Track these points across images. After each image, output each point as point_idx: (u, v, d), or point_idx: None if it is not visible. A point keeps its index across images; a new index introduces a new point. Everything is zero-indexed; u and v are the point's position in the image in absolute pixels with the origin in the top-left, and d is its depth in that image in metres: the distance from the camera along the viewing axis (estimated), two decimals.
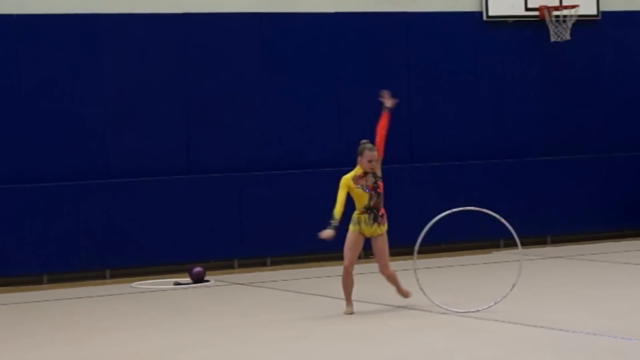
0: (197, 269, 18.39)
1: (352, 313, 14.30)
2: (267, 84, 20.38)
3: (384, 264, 14.42)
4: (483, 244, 21.36)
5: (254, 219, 19.98)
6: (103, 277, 19.16)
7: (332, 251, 20.35)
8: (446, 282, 17.45)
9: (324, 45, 20.79)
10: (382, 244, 14.31)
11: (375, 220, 14.21)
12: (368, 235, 14.31)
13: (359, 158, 14.27)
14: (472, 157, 21.54)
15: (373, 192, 14.17)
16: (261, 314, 15.11)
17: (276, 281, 18.20)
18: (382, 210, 14.30)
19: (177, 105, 19.85)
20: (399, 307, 14.73)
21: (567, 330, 12.67)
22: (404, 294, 14.76)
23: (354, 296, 14.46)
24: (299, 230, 20.06)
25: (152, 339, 13.52)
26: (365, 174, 14.19)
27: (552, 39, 21.83)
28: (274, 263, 20.12)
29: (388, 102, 15.01)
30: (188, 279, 18.31)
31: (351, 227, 14.29)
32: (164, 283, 18.36)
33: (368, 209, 14.18)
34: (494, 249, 21.24)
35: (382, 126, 14.80)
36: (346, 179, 14.18)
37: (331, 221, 13.93)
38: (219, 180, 19.89)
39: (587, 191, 22.20)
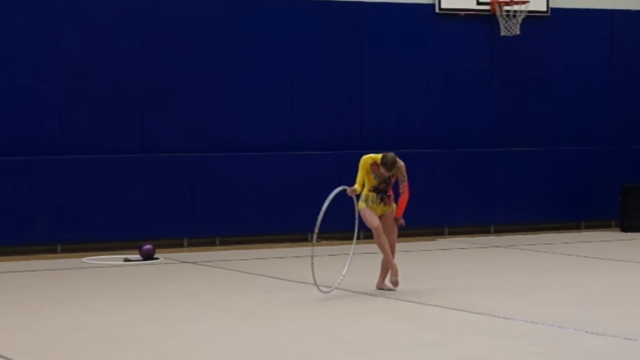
0: (147, 247, 18.38)
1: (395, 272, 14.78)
2: (222, 67, 20.36)
3: (392, 242, 14.73)
4: (426, 231, 21.38)
5: (205, 200, 19.98)
6: (54, 251, 19.11)
7: (280, 233, 20.48)
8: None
9: (280, 31, 20.78)
10: (391, 226, 14.68)
11: (382, 200, 14.55)
12: (377, 213, 14.59)
13: (380, 162, 14.36)
14: (420, 146, 21.56)
15: (383, 183, 14.53)
16: (208, 292, 15.14)
17: (225, 261, 18.20)
18: (390, 192, 14.64)
19: (133, 84, 19.80)
20: (352, 292, 14.75)
21: (507, 318, 12.74)
22: (393, 283, 14.79)
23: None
24: (249, 212, 20.11)
25: (101, 314, 13.52)
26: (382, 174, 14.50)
27: (502, 34, 21.89)
28: (223, 243, 20.12)
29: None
30: (138, 256, 18.30)
31: (361, 204, 14.59)
32: (114, 259, 18.33)
33: (376, 189, 14.52)
34: (438, 237, 21.31)
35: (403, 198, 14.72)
36: (365, 161, 14.51)
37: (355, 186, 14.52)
38: (172, 160, 19.86)
39: (530, 183, 22.29)
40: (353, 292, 14.78)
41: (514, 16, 21.88)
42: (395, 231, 14.78)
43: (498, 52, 22.20)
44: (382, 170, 14.29)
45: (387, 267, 14.87)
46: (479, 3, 21.92)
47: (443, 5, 21.76)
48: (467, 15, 21.97)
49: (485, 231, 21.86)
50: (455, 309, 13.38)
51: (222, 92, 20.45)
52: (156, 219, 19.68)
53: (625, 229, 22.16)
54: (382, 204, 14.55)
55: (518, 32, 21.83)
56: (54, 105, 19.38)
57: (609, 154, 22.90)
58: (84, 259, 18.38)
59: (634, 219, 22.14)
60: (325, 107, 20.99)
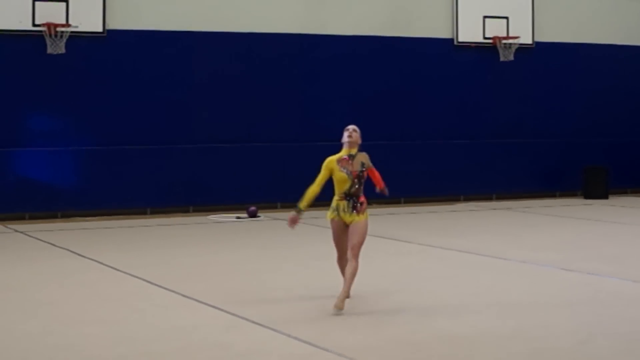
0: (252, 208, 18.36)
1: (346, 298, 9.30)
2: (306, 75, 20.28)
3: (353, 244, 9.44)
4: (447, 198, 21.30)
5: (292, 175, 19.90)
6: (187, 211, 19.14)
7: None
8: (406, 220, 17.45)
9: (346, 62, 20.66)
10: (359, 226, 9.49)
11: (354, 208, 9.53)
12: (348, 223, 9.56)
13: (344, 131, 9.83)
14: (443, 138, 21.48)
15: (356, 180, 9.54)
16: (294, 241, 15.05)
17: (308, 218, 18.09)
18: (362, 198, 9.63)
19: (240, 94, 19.74)
20: (395, 240, 14.61)
21: (503, 259, 12.63)
22: (340, 300, 9.19)
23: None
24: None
25: (219, 255, 13.53)
26: (352, 157, 9.58)
27: (501, 59, 21.74)
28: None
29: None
30: (246, 215, 18.29)
31: (329, 214, 9.63)
32: (229, 217, 18.33)
33: (347, 196, 9.53)
34: (456, 202, 21.19)
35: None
36: (330, 161, 9.61)
37: (298, 204, 9.63)
38: (269, 147, 19.81)
39: (520, 164, 22.15)
40: (396, 240, 14.67)
41: (509, 47, 21.75)
42: (361, 234, 9.49)
43: (498, 73, 21.98)
44: (346, 136, 9.66)
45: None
46: (484, 37, 21.73)
47: (459, 39, 21.58)
48: (476, 46, 21.78)
49: (489, 198, 21.69)
50: (467, 252, 13.27)
51: (304, 97, 20.36)
52: (258, 188, 19.64)
53: (587, 197, 21.98)
54: (354, 212, 9.53)
55: (512, 58, 21.70)
56: (186, 108, 19.38)
57: (575, 144, 22.73)
58: (209, 217, 18.41)
59: (593, 190, 21.99)
60: (381, 111, 20.85)
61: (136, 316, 9.23)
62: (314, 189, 9.59)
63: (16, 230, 16.32)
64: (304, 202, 9.52)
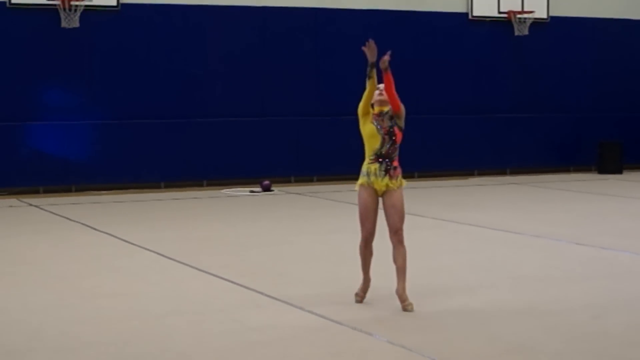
0: (266, 182, 18.36)
1: (366, 289, 8.54)
2: (320, 55, 20.22)
3: (397, 227, 8.39)
4: (461, 172, 21.26)
5: (306, 149, 19.88)
6: (201, 185, 19.14)
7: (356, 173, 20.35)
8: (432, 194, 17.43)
9: (357, 35, 20.60)
10: (396, 200, 8.38)
11: (387, 172, 8.36)
12: (380, 191, 8.43)
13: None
14: (458, 112, 21.42)
15: (387, 137, 8.38)
16: (307, 214, 15.06)
17: (320, 192, 18.13)
18: (396, 162, 8.44)
19: (256, 68, 19.70)
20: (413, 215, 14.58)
21: (517, 233, 12.59)
22: (406, 302, 8.24)
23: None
24: (337, 158, 19.95)
25: (233, 228, 13.53)
26: (381, 113, 8.48)
27: (516, 34, 21.64)
28: (319, 180, 20.02)
29: (383, 62, 8.77)
30: (259, 189, 18.28)
31: (360, 181, 8.56)
32: (243, 191, 18.33)
33: (379, 157, 8.38)
34: (470, 177, 21.14)
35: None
36: (364, 106, 8.61)
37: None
38: (284, 121, 19.78)
39: (535, 139, 22.09)
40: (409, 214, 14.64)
41: (524, 21, 21.64)
42: (401, 210, 8.41)
43: (512, 47, 21.87)
44: (377, 94, 8.57)
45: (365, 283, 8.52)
46: (499, 12, 21.62)
47: (474, 13, 21.48)
48: (491, 20, 21.66)
49: (503, 173, 21.64)
50: (481, 227, 13.25)
51: (319, 71, 20.30)
52: (272, 163, 19.62)
53: (601, 172, 21.91)
54: (387, 177, 8.37)
55: (527, 33, 21.58)
56: (200, 82, 19.34)
57: (590, 119, 22.64)
58: (222, 191, 18.41)
59: (607, 165, 21.92)
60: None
61: (150, 289, 9.24)
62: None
63: (30, 204, 16.35)
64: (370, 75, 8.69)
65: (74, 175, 18.19)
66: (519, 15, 21.64)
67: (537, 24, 21.86)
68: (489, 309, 8.26)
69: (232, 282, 9.48)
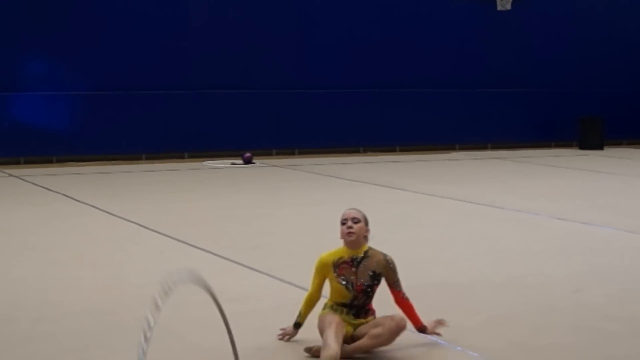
0: (247, 155, 18.32)
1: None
2: (304, 26, 20.16)
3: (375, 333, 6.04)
4: (443, 146, 21.28)
5: (287, 122, 19.86)
6: (182, 157, 19.09)
7: (336, 147, 20.31)
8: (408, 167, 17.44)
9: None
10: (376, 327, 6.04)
11: (357, 316, 6.17)
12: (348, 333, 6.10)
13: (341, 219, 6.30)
14: (442, 87, 21.41)
15: (361, 295, 6.13)
16: (289, 187, 15.05)
17: (300, 165, 18.11)
18: (370, 305, 6.24)
19: (235, 42, 19.62)
20: (392, 188, 14.60)
21: (498, 207, 12.62)
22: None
23: None
24: (318, 132, 19.93)
25: (214, 200, 13.52)
26: (356, 262, 6.15)
27: (498, 9, 21.56)
28: (300, 153, 20.00)
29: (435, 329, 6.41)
30: (241, 161, 18.25)
31: (323, 311, 6.22)
32: (224, 163, 18.30)
33: (346, 307, 6.17)
34: (451, 151, 21.16)
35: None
36: (324, 264, 6.23)
37: (297, 319, 6.35)
38: (264, 94, 19.73)
39: (516, 114, 22.13)
40: (390, 187, 14.65)
41: None
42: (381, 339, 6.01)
43: (494, 22, 21.82)
44: (345, 230, 6.15)
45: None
46: None
47: None
48: None
49: (484, 147, 21.66)
50: (462, 200, 13.26)
51: (301, 43, 20.24)
52: (254, 135, 19.58)
53: (582, 147, 21.95)
54: (357, 319, 6.16)
55: (509, 8, 21.52)
56: (182, 53, 19.26)
57: (571, 95, 22.68)
58: (203, 163, 18.38)
59: (588, 140, 21.96)
60: (378, 56, 20.75)
61: (131, 260, 9.23)
62: (312, 295, 6.30)
63: (11, 175, 16.28)
64: (303, 316, 6.34)
65: (54, 146, 18.10)
66: None
67: None
68: (469, 281, 8.29)
69: (212, 253, 9.47)
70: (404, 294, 6.27)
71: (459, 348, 6.33)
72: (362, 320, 6.19)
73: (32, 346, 6.40)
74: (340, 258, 6.21)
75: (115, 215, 11.81)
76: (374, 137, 20.61)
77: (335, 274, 6.20)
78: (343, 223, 6.21)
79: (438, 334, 6.33)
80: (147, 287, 8.02)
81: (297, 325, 6.37)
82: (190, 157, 19.08)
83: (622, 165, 18.66)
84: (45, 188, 14.49)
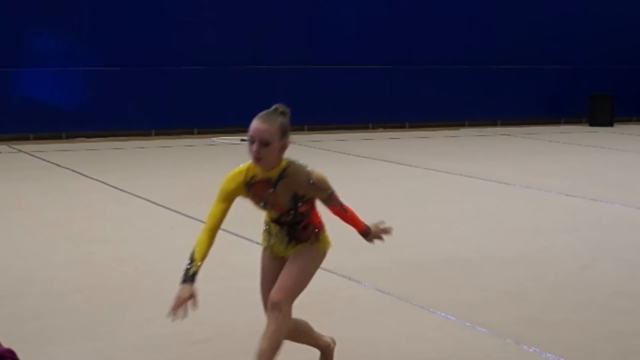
0: None
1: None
2: (314, 3, 20.09)
3: (274, 299, 4.86)
4: (452, 123, 21.24)
5: (297, 98, 19.84)
6: (192, 133, 19.08)
7: (347, 122, 20.27)
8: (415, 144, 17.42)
9: None
10: (299, 261, 4.98)
11: (291, 236, 5.05)
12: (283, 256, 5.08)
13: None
14: (451, 63, 21.34)
15: (286, 214, 5.03)
16: (299, 161, 15.03)
17: (311, 141, 18.09)
18: (310, 220, 5.05)
19: (246, 14, 19.56)
20: (401, 164, 14.56)
21: (508, 184, 12.60)
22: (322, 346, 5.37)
23: None
24: (327, 107, 19.89)
25: (224, 176, 13.48)
26: (271, 182, 5.04)
27: None
28: (310, 129, 19.94)
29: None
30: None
31: (262, 239, 5.24)
32: (234, 139, 18.29)
33: (279, 222, 5.09)
34: (461, 127, 21.12)
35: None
36: (235, 180, 5.23)
37: (187, 266, 5.07)
38: (274, 70, 19.69)
39: (525, 91, 22.08)
40: (400, 163, 14.63)
41: None
42: (297, 281, 4.91)
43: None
44: (251, 147, 5.04)
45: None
46: None
47: None
48: None
49: (494, 124, 21.63)
50: (471, 177, 13.24)
51: (311, 18, 20.18)
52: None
53: (592, 124, 21.91)
54: (292, 243, 5.03)
55: None
56: (192, 30, 19.21)
57: (582, 71, 22.61)
58: (213, 139, 18.36)
59: (598, 117, 21.93)
60: (383, 29, 20.68)
61: (140, 236, 9.23)
62: (212, 228, 5.27)
63: (20, 151, 16.30)
64: (199, 260, 5.10)
65: (64, 122, 18.10)
66: None
67: None
68: (478, 257, 8.28)
69: (221, 229, 9.43)
70: (340, 204, 5.06)
71: (468, 324, 6.33)
72: (297, 247, 5.02)
73: (42, 321, 6.41)
74: (253, 177, 5.02)
75: (124, 191, 11.82)
76: (384, 113, 20.57)
77: (251, 193, 5.06)
78: (251, 141, 4.98)
79: (381, 239, 5.20)
80: (156, 263, 8.05)
81: (193, 277, 4.94)
82: (199, 133, 19.06)
83: (632, 141, 18.62)
84: (54, 164, 14.50)
